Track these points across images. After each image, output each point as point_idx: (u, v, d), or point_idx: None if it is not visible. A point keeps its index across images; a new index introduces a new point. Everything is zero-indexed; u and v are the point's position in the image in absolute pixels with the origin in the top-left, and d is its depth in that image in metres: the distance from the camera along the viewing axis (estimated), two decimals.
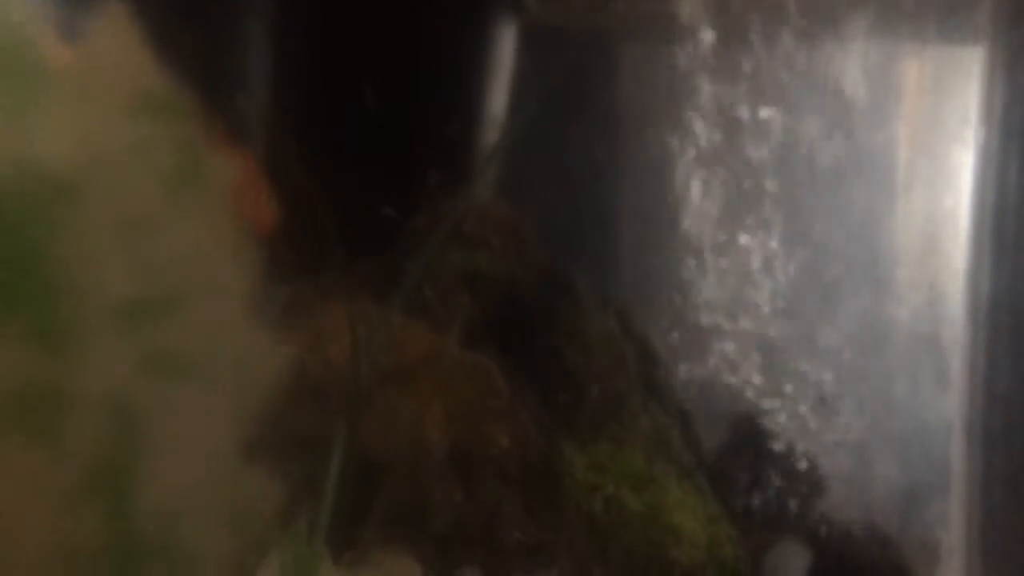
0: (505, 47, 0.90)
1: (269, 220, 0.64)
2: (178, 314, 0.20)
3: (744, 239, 0.97)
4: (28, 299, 0.19)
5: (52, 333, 0.19)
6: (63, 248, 0.19)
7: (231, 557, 0.21)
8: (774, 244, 0.98)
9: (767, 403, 0.97)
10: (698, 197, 0.96)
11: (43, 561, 0.19)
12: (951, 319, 1.01)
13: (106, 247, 0.20)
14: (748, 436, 0.94)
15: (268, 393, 0.21)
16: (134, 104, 0.20)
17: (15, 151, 0.18)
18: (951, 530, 0.98)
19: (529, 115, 0.70)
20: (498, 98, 0.90)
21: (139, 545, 0.20)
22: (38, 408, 0.19)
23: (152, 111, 0.20)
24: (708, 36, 0.96)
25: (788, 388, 0.97)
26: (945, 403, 1.00)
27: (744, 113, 0.97)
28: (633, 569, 0.62)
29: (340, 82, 0.86)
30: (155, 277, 0.20)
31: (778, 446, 0.94)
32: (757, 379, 0.97)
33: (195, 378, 0.20)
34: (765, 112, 0.98)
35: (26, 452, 0.19)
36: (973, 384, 1.00)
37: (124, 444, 0.20)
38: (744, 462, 0.93)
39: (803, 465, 0.94)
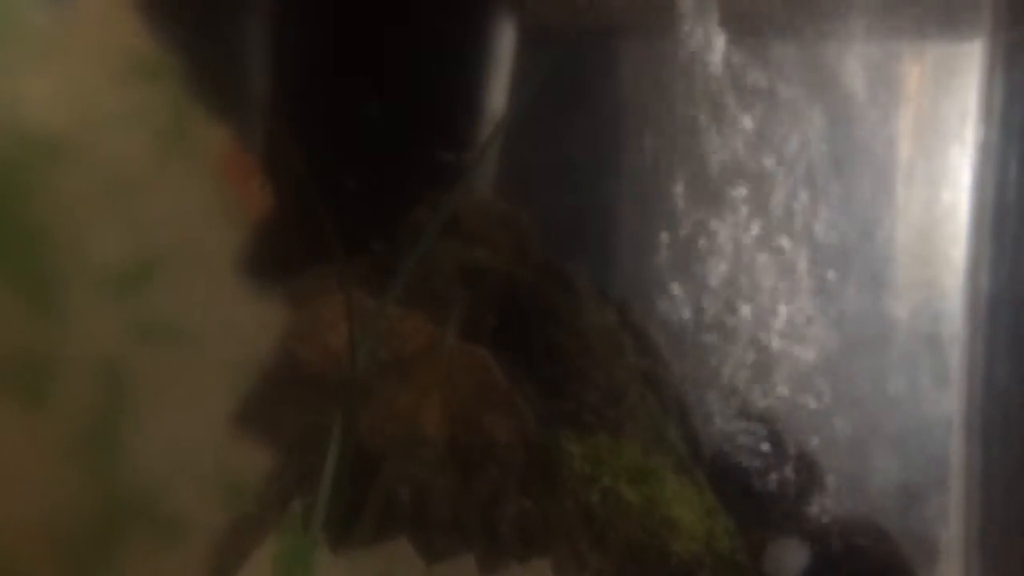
0: (504, 42, 0.90)
1: (261, 205, 0.64)
2: (167, 278, 0.20)
3: (743, 235, 0.97)
4: (19, 259, 0.19)
5: (42, 294, 0.19)
6: (54, 209, 0.19)
7: (220, 524, 0.21)
8: (773, 240, 0.98)
9: (766, 399, 0.97)
10: (697, 192, 0.96)
11: (30, 519, 0.19)
12: (950, 316, 1.01)
13: (96, 209, 0.19)
14: (746, 432, 0.94)
15: (258, 359, 0.21)
16: (124, 67, 0.20)
17: (5, 111, 0.18)
18: (950, 526, 0.98)
19: (523, 106, 0.70)
20: (498, 93, 0.90)
21: (126, 507, 0.20)
22: (27, 368, 0.19)
23: (142, 75, 0.20)
24: (708, 32, 0.96)
25: (787, 384, 0.97)
26: (944, 399, 1.00)
27: (743, 109, 0.97)
28: (631, 560, 0.62)
29: (338, 77, 0.86)
30: (145, 240, 0.20)
31: (776, 442, 0.94)
32: (755, 375, 0.97)
33: (184, 342, 0.20)
34: (765, 108, 0.98)
35: (15, 411, 0.19)
36: (972, 380, 1.00)
37: (112, 406, 0.20)
38: (742, 458, 0.93)
39: (802, 461, 0.94)
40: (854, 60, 0.99)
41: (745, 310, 0.97)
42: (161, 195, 0.20)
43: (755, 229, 0.98)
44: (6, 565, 0.19)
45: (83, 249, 0.19)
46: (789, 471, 0.93)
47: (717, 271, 0.97)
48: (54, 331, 0.19)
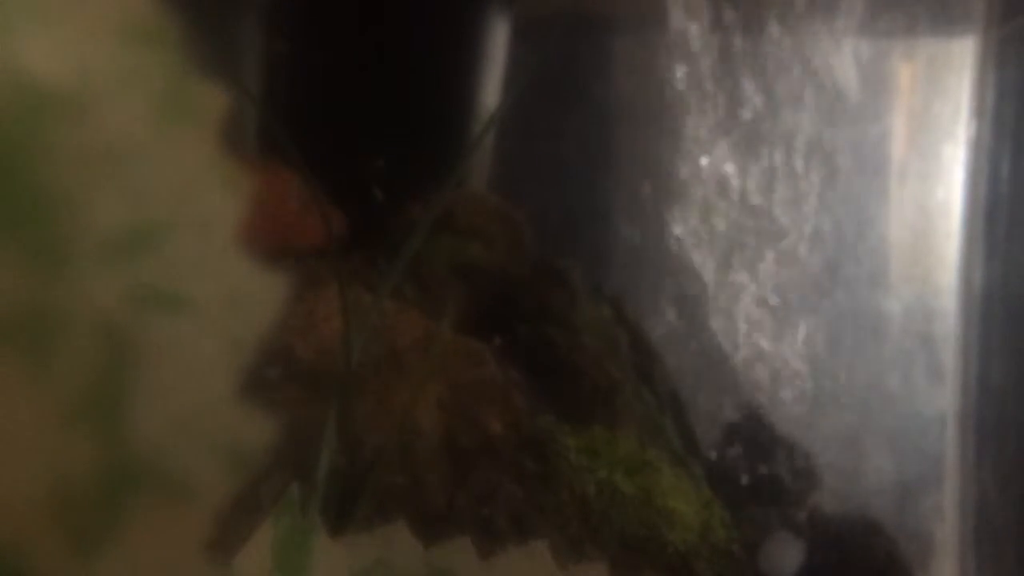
0: (499, 36, 0.90)
1: (319, 233, 0.64)
2: (168, 245, 0.20)
3: (736, 232, 0.98)
4: (21, 219, 0.19)
5: (44, 255, 0.19)
6: (55, 170, 0.19)
7: (225, 489, 0.21)
8: (766, 238, 0.98)
9: (759, 396, 0.97)
10: (691, 189, 0.97)
11: (32, 483, 0.19)
12: (944, 312, 1.01)
13: (96, 172, 0.19)
14: (741, 428, 0.94)
15: (261, 328, 0.21)
16: (123, 29, 0.20)
17: (6, 69, 0.18)
18: (945, 522, 0.98)
19: (515, 99, 0.70)
20: (491, 87, 0.90)
21: (130, 472, 0.20)
22: (29, 329, 0.19)
23: (141, 38, 0.20)
24: (702, 28, 0.96)
25: (781, 381, 0.97)
26: (938, 396, 1.01)
27: (737, 106, 0.97)
28: (627, 550, 0.62)
29: (331, 71, 0.86)
30: (145, 207, 0.20)
31: (771, 439, 0.94)
32: (749, 371, 0.97)
33: (185, 309, 0.20)
34: (757, 105, 0.98)
35: (16, 372, 0.19)
36: (966, 377, 1.00)
37: (115, 372, 0.20)
38: (737, 455, 0.93)
39: (796, 458, 0.94)
40: (846, 57, 0.99)
41: (737, 306, 0.97)
42: (161, 161, 0.20)
43: (747, 226, 0.98)
44: (9, 526, 0.19)
45: (86, 211, 0.19)
46: (783, 468, 0.93)
47: (708, 267, 0.97)
48: (57, 291, 0.19)
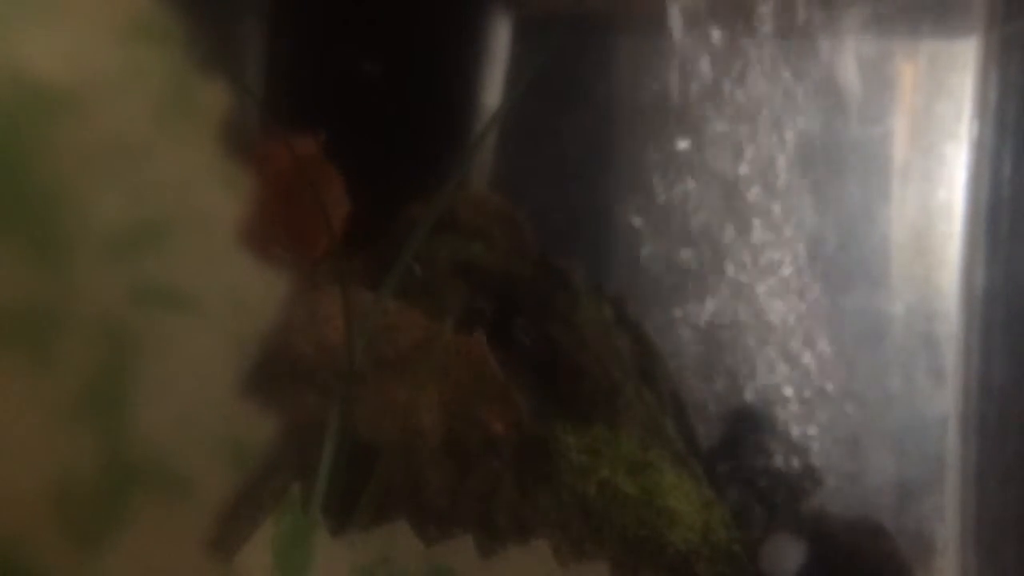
0: (499, 36, 0.91)
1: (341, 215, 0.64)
2: (169, 242, 0.20)
3: (738, 232, 0.98)
4: (23, 216, 0.19)
5: (46, 252, 0.19)
6: (57, 168, 0.19)
7: (226, 485, 0.21)
8: (768, 238, 0.98)
9: (761, 397, 0.97)
10: (692, 188, 0.97)
11: (35, 479, 0.19)
12: (945, 313, 1.01)
13: (98, 170, 0.19)
14: (742, 429, 0.94)
15: (262, 325, 0.21)
16: (125, 27, 0.20)
17: (8, 67, 0.18)
18: (946, 523, 0.98)
19: (516, 99, 0.70)
20: (492, 87, 0.90)
21: (132, 469, 0.20)
22: (31, 326, 0.19)
23: (143, 36, 0.20)
24: (703, 27, 0.96)
25: (783, 382, 0.97)
26: (940, 397, 1.00)
27: (739, 106, 0.97)
28: (628, 550, 0.62)
29: (332, 73, 0.86)
30: (146, 204, 0.20)
31: (773, 440, 0.94)
32: (751, 372, 0.97)
33: (187, 307, 0.20)
34: (759, 105, 0.98)
35: (19, 369, 0.19)
36: (968, 378, 1.00)
37: (117, 369, 0.20)
38: (739, 456, 0.93)
39: (798, 459, 0.94)
40: (848, 57, 0.99)
41: (739, 307, 0.97)
42: (162, 159, 0.20)
43: (749, 227, 0.98)
44: (11, 523, 0.19)
45: (88, 209, 0.19)
46: (785, 468, 0.93)
47: (711, 267, 0.97)
48: (58, 288, 0.19)
